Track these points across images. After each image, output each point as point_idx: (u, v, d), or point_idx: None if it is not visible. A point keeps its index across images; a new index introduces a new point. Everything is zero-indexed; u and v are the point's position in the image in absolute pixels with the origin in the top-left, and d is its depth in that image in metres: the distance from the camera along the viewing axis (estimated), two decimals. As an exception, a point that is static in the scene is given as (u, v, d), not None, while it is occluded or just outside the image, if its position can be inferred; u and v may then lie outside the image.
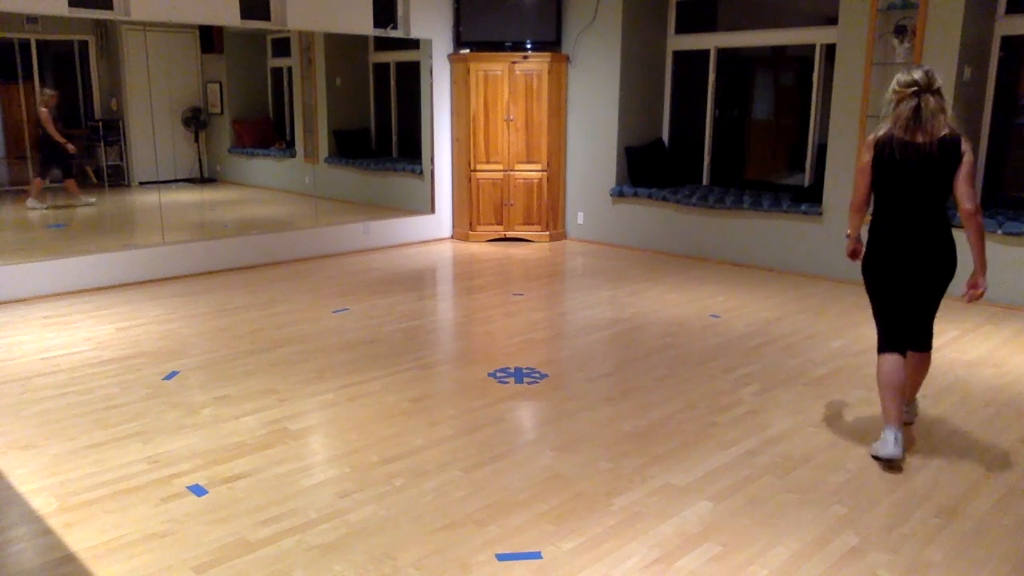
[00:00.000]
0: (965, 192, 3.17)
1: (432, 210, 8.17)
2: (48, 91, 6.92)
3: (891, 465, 3.24)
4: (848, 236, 3.56)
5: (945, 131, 3.17)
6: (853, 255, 3.56)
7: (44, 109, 6.79)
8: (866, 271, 3.39)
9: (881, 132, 3.26)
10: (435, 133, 8.01)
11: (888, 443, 3.22)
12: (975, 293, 3.28)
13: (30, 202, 6.99)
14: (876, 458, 3.28)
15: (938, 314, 3.69)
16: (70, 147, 6.98)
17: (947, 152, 3.16)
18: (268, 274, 6.62)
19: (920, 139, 3.17)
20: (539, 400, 3.90)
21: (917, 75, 3.19)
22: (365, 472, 3.14)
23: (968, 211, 3.17)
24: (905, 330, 3.35)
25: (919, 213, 3.24)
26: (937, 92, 3.19)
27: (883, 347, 3.32)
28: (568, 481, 3.07)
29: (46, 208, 7.04)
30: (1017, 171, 6.12)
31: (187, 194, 7.46)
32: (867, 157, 3.29)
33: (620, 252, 7.54)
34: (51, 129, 6.89)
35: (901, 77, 3.24)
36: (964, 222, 3.20)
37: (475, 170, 7.88)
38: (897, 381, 3.26)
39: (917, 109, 3.17)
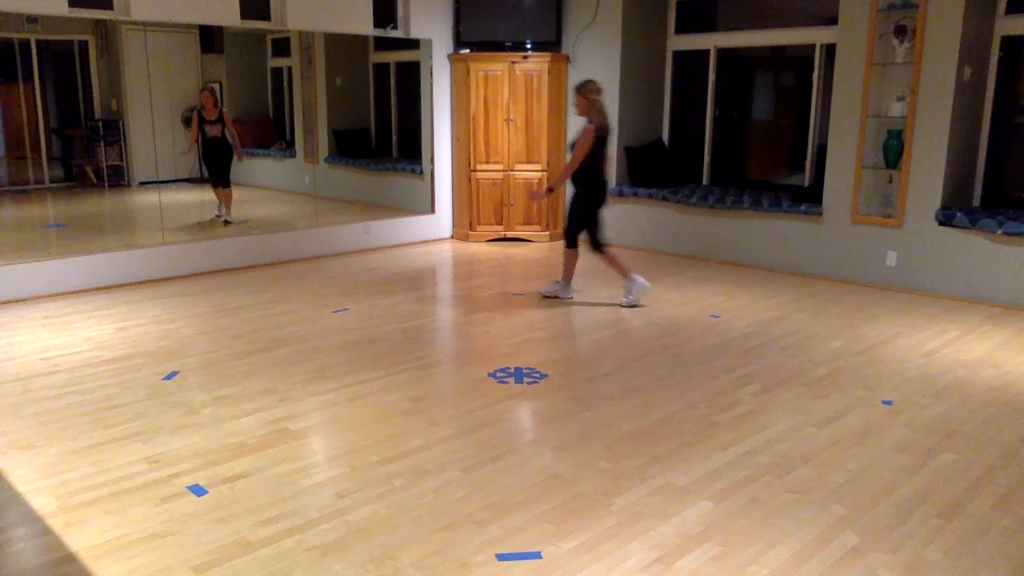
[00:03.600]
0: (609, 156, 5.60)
1: (432, 210, 8.17)
2: (210, 84, 7.10)
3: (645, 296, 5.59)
4: (551, 190, 5.75)
5: None
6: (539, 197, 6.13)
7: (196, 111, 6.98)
8: (593, 205, 5.45)
9: (594, 122, 5.26)
10: (435, 133, 8.01)
11: (640, 281, 5.53)
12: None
13: (223, 213, 7.37)
14: (634, 305, 5.53)
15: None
16: (189, 150, 7.18)
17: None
18: (268, 274, 6.62)
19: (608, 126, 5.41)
20: (539, 400, 3.90)
21: (599, 84, 5.37)
22: (365, 472, 3.14)
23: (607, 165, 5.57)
24: None
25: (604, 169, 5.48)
26: None
27: (605, 242, 5.53)
28: (568, 481, 3.07)
29: (223, 218, 7.31)
30: (1017, 171, 6.13)
31: (187, 194, 7.47)
32: (593, 139, 5.25)
33: (620, 252, 7.53)
34: (193, 130, 7.09)
35: (593, 85, 5.33)
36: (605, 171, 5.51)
37: (475, 170, 7.88)
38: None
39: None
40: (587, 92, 5.31)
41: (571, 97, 5.45)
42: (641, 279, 5.55)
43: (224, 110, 7.23)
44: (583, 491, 2.99)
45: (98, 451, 3.31)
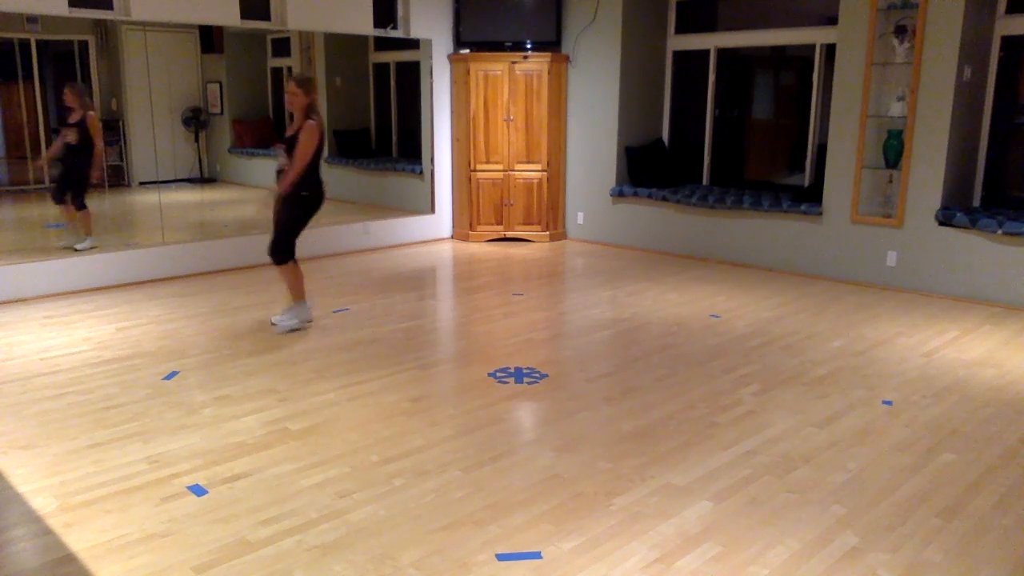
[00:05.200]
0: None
1: (432, 210, 8.17)
2: (71, 81, 6.21)
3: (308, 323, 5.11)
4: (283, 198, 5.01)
5: None
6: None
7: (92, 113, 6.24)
8: (308, 208, 4.98)
9: (316, 119, 4.83)
10: (435, 133, 8.01)
11: (308, 309, 5.10)
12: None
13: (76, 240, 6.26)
14: (294, 329, 5.00)
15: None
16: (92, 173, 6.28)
17: None
18: (268, 274, 6.61)
19: None
20: (539, 400, 3.90)
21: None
22: (365, 472, 3.14)
23: None
24: None
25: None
26: None
27: (294, 256, 4.99)
28: (568, 481, 3.07)
29: (72, 245, 6.22)
30: (1017, 171, 6.12)
31: (187, 194, 7.47)
32: (320, 135, 4.83)
33: (620, 252, 7.54)
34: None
35: (314, 82, 4.90)
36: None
37: (475, 170, 7.88)
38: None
39: None
40: (310, 89, 4.85)
41: (287, 86, 4.86)
42: (306, 307, 5.09)
43: (90, 113, 6.23)
44: (583, 491, 2.99)
45: (98, 451, 3.31)
